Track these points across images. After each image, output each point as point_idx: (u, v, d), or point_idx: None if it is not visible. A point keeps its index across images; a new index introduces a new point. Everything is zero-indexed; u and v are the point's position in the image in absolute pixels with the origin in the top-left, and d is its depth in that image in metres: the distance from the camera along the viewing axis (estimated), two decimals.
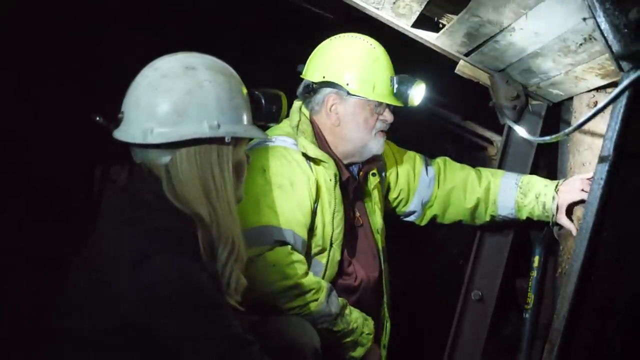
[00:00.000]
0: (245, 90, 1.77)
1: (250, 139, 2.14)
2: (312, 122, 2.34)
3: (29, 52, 2.99)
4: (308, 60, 2.38)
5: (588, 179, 2.24)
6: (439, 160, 2.61)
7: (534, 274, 2.41)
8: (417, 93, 2.34)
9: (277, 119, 1.88)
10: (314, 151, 2.28)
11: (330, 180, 2.27)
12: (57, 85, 3.17)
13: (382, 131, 2.34)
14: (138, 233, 1.61)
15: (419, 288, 3.64)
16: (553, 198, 2.34)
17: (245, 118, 1.74)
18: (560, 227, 2.36)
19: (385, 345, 2.42)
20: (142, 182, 1.71)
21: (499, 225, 2.55)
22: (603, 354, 1.67)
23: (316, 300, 2.13)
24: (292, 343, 1.90)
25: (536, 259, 2.41)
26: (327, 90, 2.30)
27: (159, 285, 1.57)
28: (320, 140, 2.33)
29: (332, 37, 2.37)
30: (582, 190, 2.27)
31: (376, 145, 2.34)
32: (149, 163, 1.70)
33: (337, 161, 2.32)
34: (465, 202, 2.51)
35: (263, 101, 1.83)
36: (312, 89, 2.32)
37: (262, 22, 3.52)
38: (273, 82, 2.36)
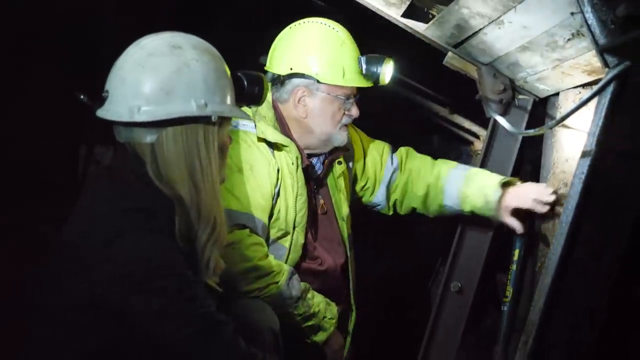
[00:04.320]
0: (229, 71, 1.77)
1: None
2: (275, 107, 2.34)
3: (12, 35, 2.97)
4: (270, 51, 2.36)
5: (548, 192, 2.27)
6: (402, 149, 2.64)
7: (514, 267, 2.42)
8: (387, 71, 2.34)
9: (258, 101, 1.88)
10: (274, 135, 2.28)
11: (293, 163, 2.28)
12: (41, 65, 3.15)
13: (346, 125, 2.35)
14: (113, 211, 1.61)
15: (398, 278, 3.67)
16: (496, 192, 2.35)
17: (229, 98, 1.75)
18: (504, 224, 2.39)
19: (350, 332, 2.43)
20: (124, 162, 1.71)
21: (481, 216, 2.57)
22: (577, 347, 1.69)
23: (276, 283, 2.14)
24: (250, 326, 1.89)
25: (516, 252, 2.42)
26: (296, 81, 2.29)
27: (131, 262, 1.57)
28: (282, 126, 2.33)
29: (292, 25, 2.35)
30: (535, 199, 2.28)
31: (339, 138, 2.36)
32: (133, 142, 1.69)
33: (298, 146, 2.32)
34: (416, 189, 2.54)
35: (245, 83, 1.83)
36: (280, 81, 2.31)
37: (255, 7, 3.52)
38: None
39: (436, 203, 2.52)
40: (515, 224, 2.34)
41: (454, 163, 2.56)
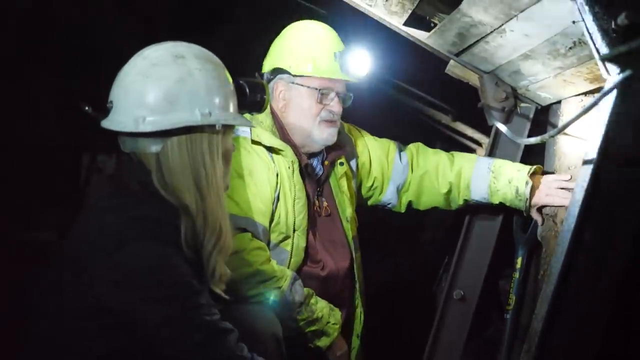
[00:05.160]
0: (231, 79, 1.78)
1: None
2: (273, 113, 2.37)
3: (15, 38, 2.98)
4: None
5: (567, 188, 2.27)
6: (412, 146, 2.64)
7: (517, 275, 2.43)
8: (362, 63, 2.37)
9: (261, 108, 1.89)
10: (269, 140, 2.31)
11: (289, 168, 2.30)
12: (45, 73, 3.16)
13: (328, 121, 2.36)
14: (119, 220, 1.62)
15: (402, 285, 3.66)
16: (526, 183, 2.37)
17: (232, 106, 1.76)
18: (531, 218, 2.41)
19: (359, 334, 2.43)
20: (129, 171, 1.72)
21: (483, 224, 2.57)
22: (580, 355, 1.68)
23: (279, 287, 2.14)
24: (253, 332, 1.89)
25: (519, 260, 2.42)
26: (276, 77, 2.36)
27: (136, 271, 1.57)
28: (281, 132, 2.36)
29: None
30: (563, 196, 2.28)
31: (321, 135, 2.37)
32: (138, 152, 1.70)
33: (296, 149, 2.34)
34: (438, 186, 2.54)
35: (247, 90, 1.84)
36: (267, 80, 2.37)
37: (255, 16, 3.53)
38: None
39: (462, 199, 2.53)
40: (539, 218, 2.36)
41: (472, 156, 2.57)
